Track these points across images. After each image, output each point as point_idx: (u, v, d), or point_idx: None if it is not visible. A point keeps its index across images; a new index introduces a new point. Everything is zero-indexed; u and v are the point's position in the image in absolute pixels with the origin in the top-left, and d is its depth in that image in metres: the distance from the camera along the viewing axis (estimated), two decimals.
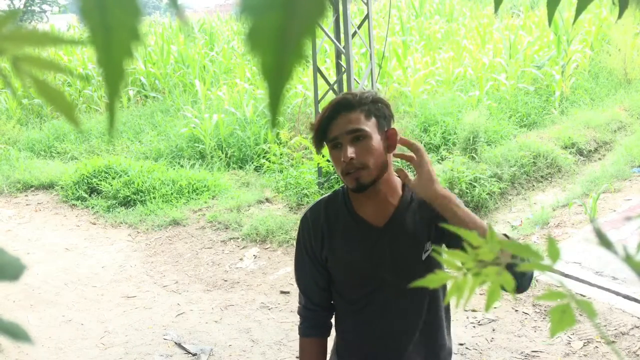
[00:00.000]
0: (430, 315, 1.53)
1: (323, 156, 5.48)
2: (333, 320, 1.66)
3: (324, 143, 1.43)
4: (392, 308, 1.51)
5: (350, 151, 1.37)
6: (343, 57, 5.23)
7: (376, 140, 1.39)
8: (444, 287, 1.52)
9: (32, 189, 6.85)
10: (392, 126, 1.45)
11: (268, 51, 0.33)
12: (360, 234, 1.48)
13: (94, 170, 6.42)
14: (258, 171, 6.69)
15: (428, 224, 1.46)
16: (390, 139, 1.42)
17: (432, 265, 1.45)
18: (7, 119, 9.54)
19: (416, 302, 1.51)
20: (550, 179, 6.07)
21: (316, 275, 1.56)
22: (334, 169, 5.48)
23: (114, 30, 0.34)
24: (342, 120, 1.38)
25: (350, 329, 1.60)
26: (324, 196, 1.59)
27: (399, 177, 1.49)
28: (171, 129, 7.82)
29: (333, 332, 1.67)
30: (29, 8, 22.28)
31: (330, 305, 1.62)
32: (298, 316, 1.65)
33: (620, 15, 0.73)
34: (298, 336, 1.67)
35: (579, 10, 0.72)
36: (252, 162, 6.86)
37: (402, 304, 1.50)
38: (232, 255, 4.82)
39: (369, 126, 1.38)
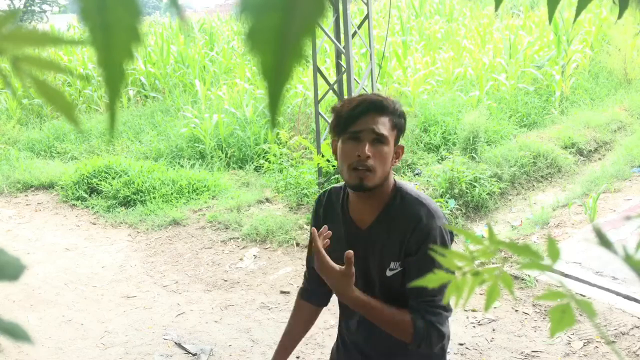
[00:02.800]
0: None
1: (323, 156, 5.47)
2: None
3: (342, 131, 1.43)
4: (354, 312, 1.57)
5: (369, 149, 1.38)
6: (343, 57, 5.22)
7: (390, 150, 1.42)
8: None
9: (32, 189, 6.84)
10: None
11: (268, 51, 0.33)
12: (345, 233, 1.52)
13: (94, 170, 6.41)
14: (258, 171, 6.69)
15: (399, 245, 1.45)
16: (397, 154, 1.47)
17: (393, 284, 1.47)
18: (7, 119, 9.54)
19: None
20: (550, 179, 6.07)
21: None
22: (334, 169, 5.48)
23: (114, 30, 0.34)
24: (371, 119, 1.40)
25: (341, 324, 1.71)
26: (336, 184, 1.65)
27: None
28: (171, 129, 7.82)
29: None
30: (29, 8, 22.27)
31: (318, 282, 1.61)
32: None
33: (620, 16, 0.73)
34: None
35: (579, 10, 0.72)
36: (252, 162, 6.86)
37: None
38: (232, 255, 4.82)
39: (391, 135, 1.42)
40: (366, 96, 1.44)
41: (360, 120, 1.39)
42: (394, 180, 1.50)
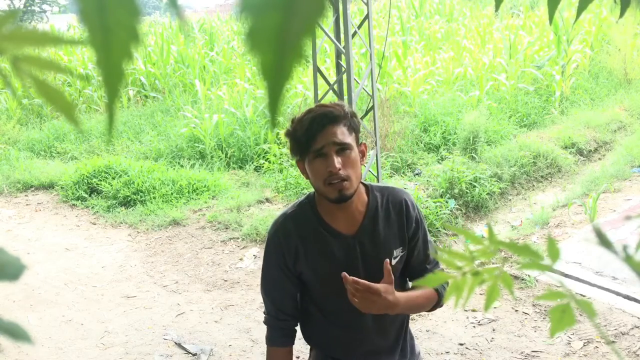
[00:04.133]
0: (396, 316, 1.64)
1: None
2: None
3: (305, 152, 1.45)
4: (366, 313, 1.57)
5: (337, 161, 1.40)
6: (343, 57, 5.22)
7: (356, 154, 1.45)
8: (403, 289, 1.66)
9: (32, 189, 6.84)
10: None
11: (268, 51, 0.33)
12: (334, 245, 1.53)
13: (94, 170, 6.41)
14: (258, 171, 6.68)
15: (399, 231, 1.55)
16: (362, 153, 1.50)
17: (397, 267, 1.56)
18: (7, 119, 9.53)
19: None
20: (550, 179, 6.07)
21: (289, 288, 1.61)
22: None
23: (113, 31, 0.34)
24: (329, 132, 1.42)
25: (328, 337, 1.66)
26: (287, 211, 1.59)
27: None
28: (171, 129, 7.82)
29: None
30: (29, 8, 22.27)
31: (298, 315, 1.67)
32: (266, 326, 1.67)
33: (622, 14, 0.72)
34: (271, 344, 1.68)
35: (580, 10, 0.72)
36: (252, 162, 6.86)
37: None
38: (232, 255, 4.82)
39: (351, 140, 1.45)
40: (315, 111, 1.44)
41: (319, 137, 1.41)
42: None
